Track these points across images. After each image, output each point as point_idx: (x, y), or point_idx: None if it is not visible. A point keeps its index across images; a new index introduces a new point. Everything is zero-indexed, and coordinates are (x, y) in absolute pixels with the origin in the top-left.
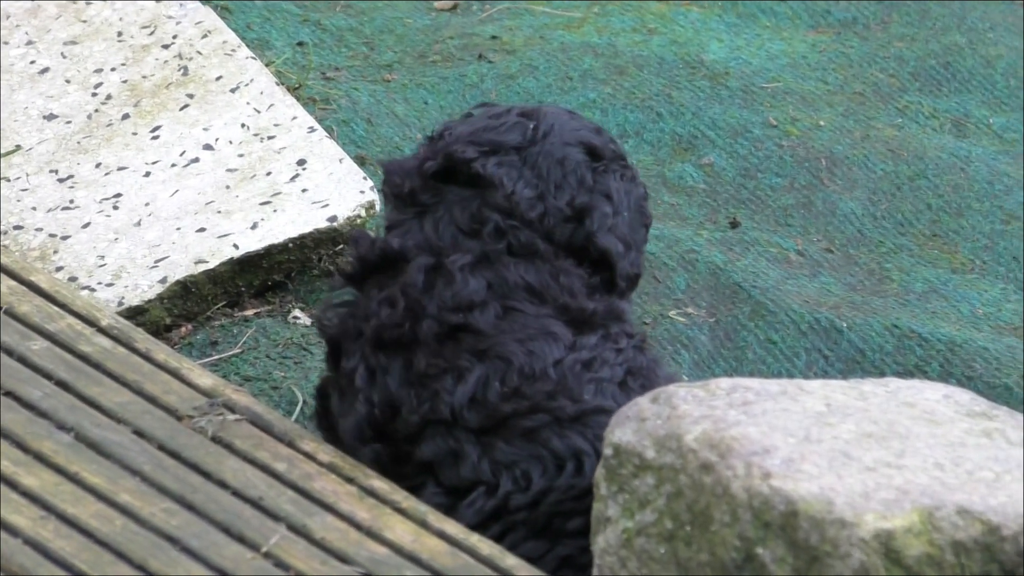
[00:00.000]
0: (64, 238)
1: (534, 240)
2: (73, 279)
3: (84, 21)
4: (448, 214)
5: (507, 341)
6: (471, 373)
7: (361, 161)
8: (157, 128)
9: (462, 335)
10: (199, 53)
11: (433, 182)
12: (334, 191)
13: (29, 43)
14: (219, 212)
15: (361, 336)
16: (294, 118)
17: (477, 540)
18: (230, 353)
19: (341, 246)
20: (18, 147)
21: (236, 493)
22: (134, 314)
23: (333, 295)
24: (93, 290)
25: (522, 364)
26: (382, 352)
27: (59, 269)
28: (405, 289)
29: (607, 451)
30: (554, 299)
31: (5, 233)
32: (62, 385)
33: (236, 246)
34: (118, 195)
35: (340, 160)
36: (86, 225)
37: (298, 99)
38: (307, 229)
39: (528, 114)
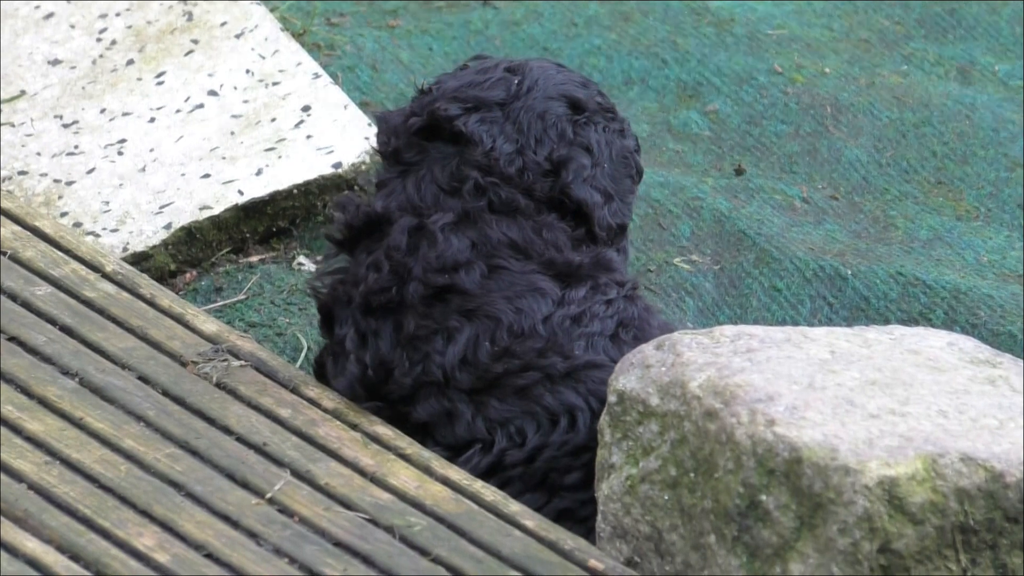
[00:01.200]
0: (69, 183)
1: (515, 196)
2: (78, 225)
3: None
4: (430, 173)
5: (495, 300)
6: (461, 333)
7: (365, 107)
8: (162, 74)
9: (450, 296)
10: None
11: (417, 139)
12: (338, 137)
13: None
14: (224, 158)
15: (352, 302)
16: (299, 64)
17: (481, 487)
18: (235, 299)
19: (346, 192)
20: (23, 92)
21: (240, 439)
22: (139, 260)
23: (326, 263)
24: (98, 236)
25: (511, 322)
26: (372, 317)
27: (64, 215)
28: (389, 252)
29: (611, 398)
30: (539, 254)
31: (9, 179)
32: (66, 330)
33: (241, 192)
34: (123, 141)
35: (344, 106)
36: (91, 171)
37: (303, 45)
38: (312, 175)
39: (514, 69)
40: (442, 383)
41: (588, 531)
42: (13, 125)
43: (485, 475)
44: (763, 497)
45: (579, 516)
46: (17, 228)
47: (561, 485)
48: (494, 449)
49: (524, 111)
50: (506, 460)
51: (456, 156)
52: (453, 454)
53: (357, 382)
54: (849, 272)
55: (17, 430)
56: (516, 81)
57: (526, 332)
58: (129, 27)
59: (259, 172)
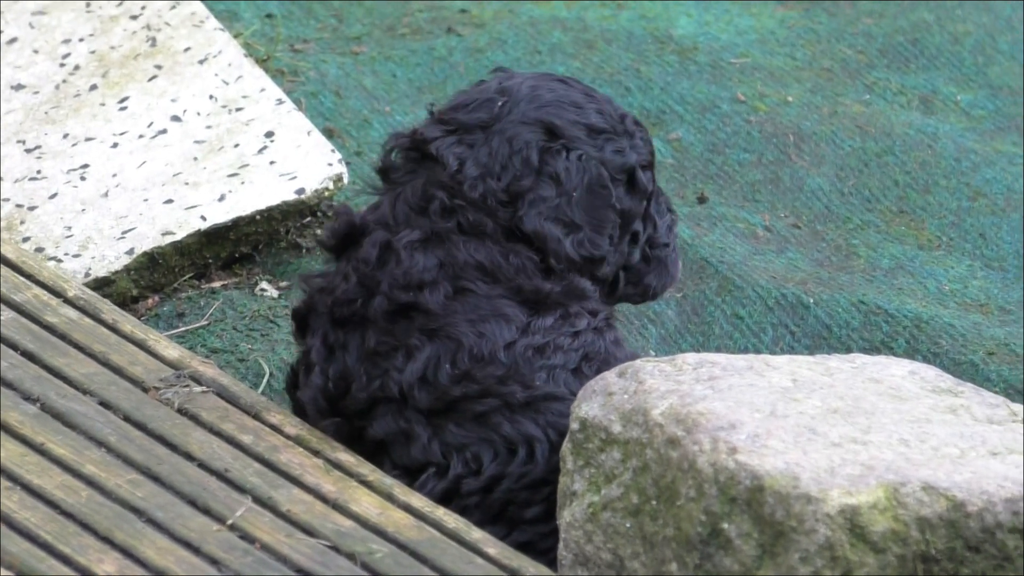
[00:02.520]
0: (31, 208)
1: (482, 220)
2: (40, 249)
3: None
4: (405, 191)
5: (458, 322)
6: (421, 352)
7: (329, 133)
8: (125, 99)
9: (413, 314)
10: (167, 24)
11: (409, 159)
12: (302, 163)
13: None
14: (187, 184)
15: (324, 312)
16: (262, 90)
17: (443, 514)
18: (197, 325)
19: (308, 219)
20: None
21: (202, 465)
22: (101, 285)
23: (324, 267)
24: (60, 261)
25: (472, 346)
26: (340, 329)
27: (26, 240)
28: (358, 264)
29: (574, 425)
30: (507, 279)
31: None
32: (28, 355)
33: (203, 218)
34: (85, 166)
35: (308, 132)
36: (53, 196)
37: (266, 71)
38: (275, 201)
39: (504, 89)
40: (400, 401)
41: (550, 562)
42: None
43: (441, 500)
44: (725, 525)
45: (540, 548)
46: None
47: (521, 519)
48: (449, 474)
49: (497, 135)
50: (462, 488)
51: (426, 176)
52: (408, 476)
53: (320, 393)
54: (811, 300)
55: None
56: (500, 103)
57: (487, 357)
58: (92, 52)
59: (222, 198)
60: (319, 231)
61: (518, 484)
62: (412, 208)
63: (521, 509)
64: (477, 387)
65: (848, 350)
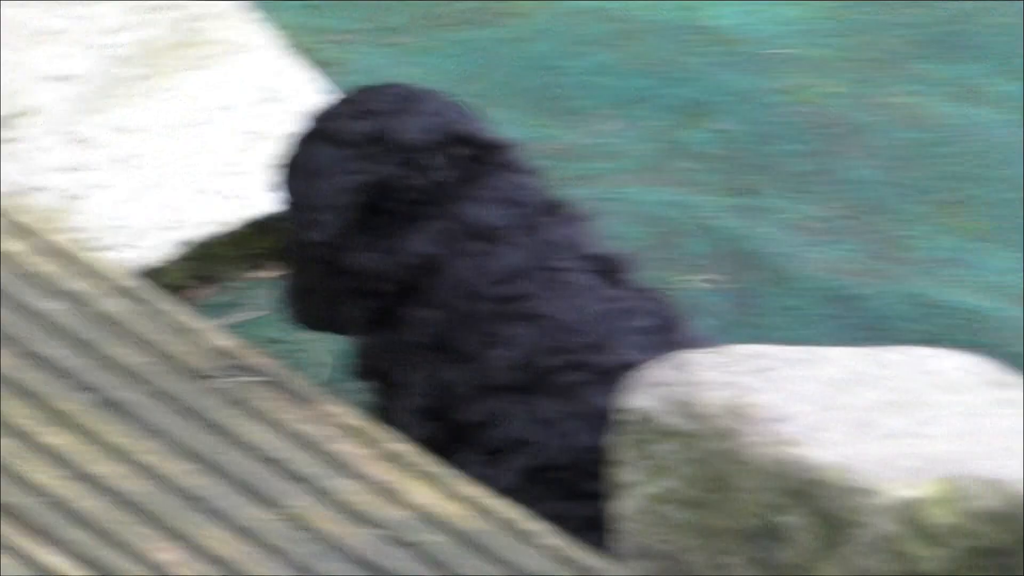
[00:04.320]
0: (83, 199)
1: None
2: (93, 240)
3: None
4: None
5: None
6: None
7: None
8: (172, 89)
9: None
10: (213, 14)
11: None
12: None
13: (42, 2)
14: (235, 174)
15: None
16: (306, 81)
17: (501, 504)
18: (251, 315)
19: None
20: (32, 107)
21: (259, 454)
22: (153, 275)
23: None
24: (113, 251)
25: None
26: None
27: (79, 230)
28: None
29: (628, 418)
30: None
31: (25, 194)
32: (84, 345)
33: (254, 207)
34: (135, 156)
35: None
36: (105, 186)
37: (310, 62)
38: None
39: None
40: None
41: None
42: (25, 141)
43: (528, 478)
44: (781, 518)
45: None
46: (33, 243)
47: (597, 494)
48: (541, 450)
49: None
50: (550, 463)
51: None
52: (497, 456)
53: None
54: (864, 292)
55: (37, 444)
56: None
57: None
58: (139, 43)
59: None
60: None
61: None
62: None
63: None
64: (568, 358)
65: (902, 342)
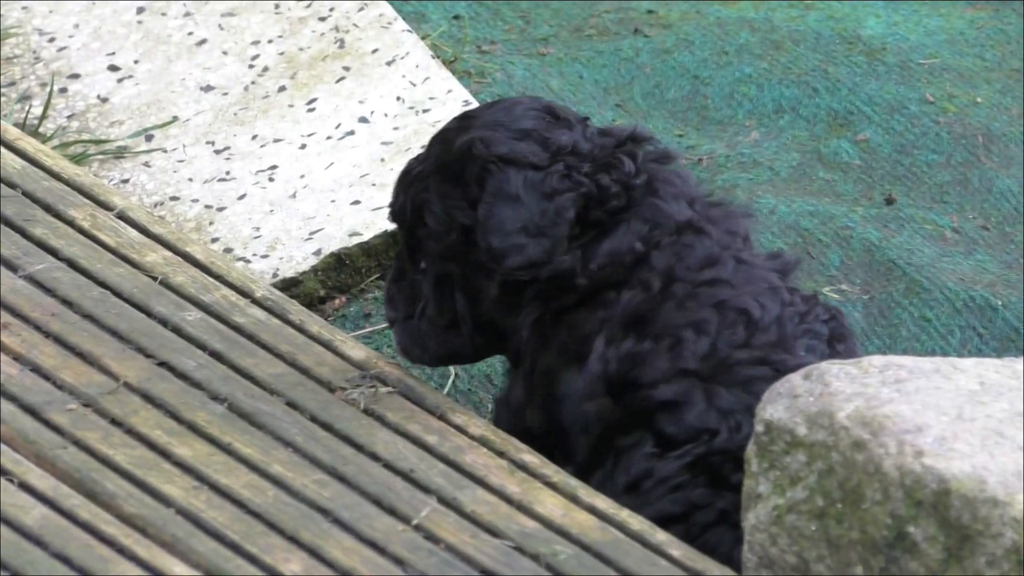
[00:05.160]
0: (220, 209)
1: None
2: (228, 250)
3: None
4: None
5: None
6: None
7: None
8: (313, 100)
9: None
10: (355, 26)
11: None
12: None
13: (187, 14)
14: (374, 185)
15: None
16: (449, 91)
17: (627, 515)
18: (383, 326)
19: None
20: (175, 118)
21: (387, 465)
22: (288, 286)
23: None
24: (248, 261)
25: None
26: None
27: (214, 240)
28: None
29: (758, 427)
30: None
31: (161, 204)
32: (216, 356)
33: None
34: (274, 167)
35: None
36: (242, 196)
37: (453, 72)
38: None
39: None
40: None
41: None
42: (165, 151)
43: (691, 467)
44: (911, 528)
45: None
46: (168, 254)
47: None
48: (715, 441)
49: None
50: (716, 451)
51: None
52: (672, 446)
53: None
54: (1000, 303)
55: (166, 455)
56: None
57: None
58: (281, 54)
59: None
60: None
61: None
62: None
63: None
64: (754, 354)
65: None
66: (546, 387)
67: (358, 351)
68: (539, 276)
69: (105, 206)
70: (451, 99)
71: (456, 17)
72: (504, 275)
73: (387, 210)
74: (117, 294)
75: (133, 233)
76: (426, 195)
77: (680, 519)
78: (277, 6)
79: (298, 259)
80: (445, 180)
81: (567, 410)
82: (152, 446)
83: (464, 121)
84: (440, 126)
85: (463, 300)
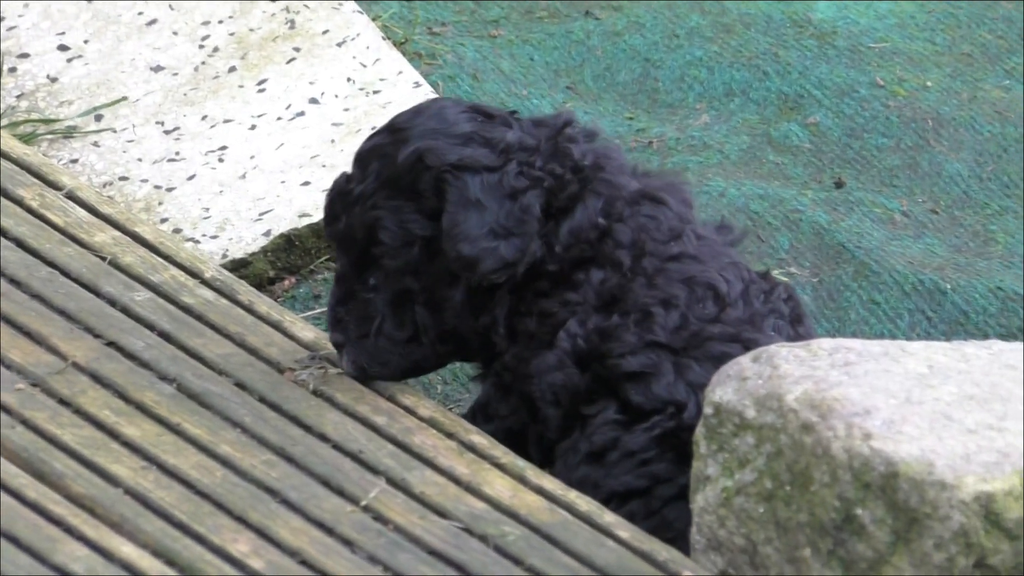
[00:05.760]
0: (169, 190)
1: None
2: (177, 231)
3: None
4: None
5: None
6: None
7: None
8: (263, 81)
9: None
10: (306, 7)
11: None
12: None
13: None
14: (324, 166)
15: None
16: (400, 73)
17: (575, 497)
18: None
19: None
20: (125, 98)
21: (336, 446)
22: (237, 266)
23: None
24: (197, 242)
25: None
26: None
27: (164, 221)
28: None
29: (707, 410)
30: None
31: (111, 184)
32: (165, 336)
33: None
34: (224, 147)
35: None
36: (191, 177)
37: (404, 54)
38: None
39: None
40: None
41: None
42: (115, 131)
43: (659, 442)
44: (859, 511)
45: None
46: (117, 234)
47: None
48: (684, 415)
49: None
50: (684, 426)
51: None
52: (638, 417)
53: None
54: (948, 286)
55: (115, 435)
56: None
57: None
58: (232, 34)
59: None
60: None
61: None
62: None
63: None
64: (727, 330)
65: (985, 336)
66: (520, 370)
67: (307, 332)
68: (516, 275)
69: (54, 186)
70: (401, 80)
71: None
72: (479, 280)
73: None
74: (65, 274)
75: (82, 213)
76: (376, 212)
77: (643, 493)
78: None
79: (248, 240)
80: (395, 195)
81: (537, 386)
82: (100, 426)
83: (397, 134)
84: (389, 107)
85: (425, 312)
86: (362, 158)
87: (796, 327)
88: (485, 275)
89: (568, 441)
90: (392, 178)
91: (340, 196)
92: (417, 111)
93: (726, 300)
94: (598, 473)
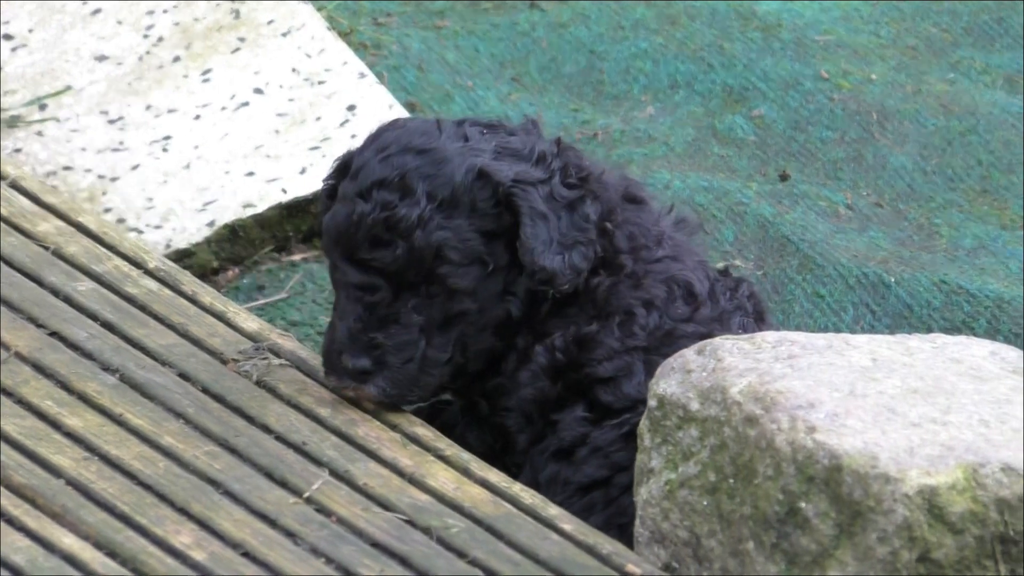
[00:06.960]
0: (113, 179)
1: None
2: (121, 221)
3: None
4: None
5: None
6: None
7: (411, 108)
8: (208, 71)
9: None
10: None
11: None
12: None
13: None
14: (268, 156)
15: None
16: (345, 63)
17: (519, 489)
18: (276, 298)
19: None
20: (68, 87)
21: (279, 437)
22: (181, 257)
23: None
24: (141, 232)
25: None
26: None
27: (107, 211)
28: None
29: (651, 402)
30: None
31: (54, 173)
32: (107, 326)
33: (284, 191)
34: (168, 137)
35: (390, 106)
36: (135, 167)
37: (349, 44)
38: None
39: None
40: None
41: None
42: (58, 120)
43: (630, 436)
44: (802, 504)
45: None
46: (61, 223)
47: None
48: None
49: None
50: None
51: None
52: (606, 416)
53: None
54: (892, 280)
55: (56, 425)
56: None
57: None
58: (176, 24)
59: (303, 171)
60: None
61: None
62: None
63: None
64: (700, 329)
65: (929, 330)
66: (499, 402)
67: (251, 323)
68: (577, 284)
69: None
70: (346, 71)
71: None
72: (555, 290)
73: (280, 182)
74: (8, 263)
75: (25, 202)
76: (442, 233)
77: (604, 483)
78: None
79: (191, 230)
80: (455, 214)
81: (516, 408)
82: (43, 416)
83: (429, 154)
84: (334, 98)
85: (472, 332)
86: (403, 182)
87: (760, 324)
88: (561, 285)
89: (537, 447)
90: (451, 198)
91: (394, 224)
92: (422, 131)
93: (699, 299)
94: (567, 470)
